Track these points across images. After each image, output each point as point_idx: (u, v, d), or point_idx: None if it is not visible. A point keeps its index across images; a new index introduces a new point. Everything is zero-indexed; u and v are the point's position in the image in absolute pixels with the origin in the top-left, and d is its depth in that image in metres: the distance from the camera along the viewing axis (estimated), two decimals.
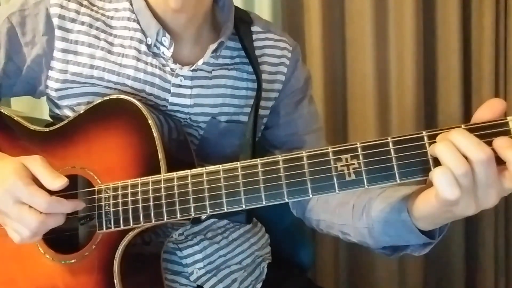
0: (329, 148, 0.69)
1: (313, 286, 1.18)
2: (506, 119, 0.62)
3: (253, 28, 1.05)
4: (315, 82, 1.70)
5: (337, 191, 0.68)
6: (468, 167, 0.60)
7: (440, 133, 0.64)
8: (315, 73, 1.69)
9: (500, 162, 0.61)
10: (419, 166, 0.65)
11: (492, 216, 1.89)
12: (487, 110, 0.63)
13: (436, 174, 0.62)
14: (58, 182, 0.78)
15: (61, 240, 0.88)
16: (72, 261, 0.87)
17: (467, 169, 0.60)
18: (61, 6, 0.94)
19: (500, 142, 0.60)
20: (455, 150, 0.61)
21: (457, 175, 0.61)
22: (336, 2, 1.75)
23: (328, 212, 0.97)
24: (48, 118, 1.05)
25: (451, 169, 0.61)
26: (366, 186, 0.67)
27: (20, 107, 1.48)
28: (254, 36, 1.04)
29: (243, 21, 1.04)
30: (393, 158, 0.66)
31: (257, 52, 1.03)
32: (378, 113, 1.76)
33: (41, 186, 0.78)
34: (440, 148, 0.62)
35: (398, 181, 0.66)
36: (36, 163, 0.79)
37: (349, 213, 0.90)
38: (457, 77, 1.79)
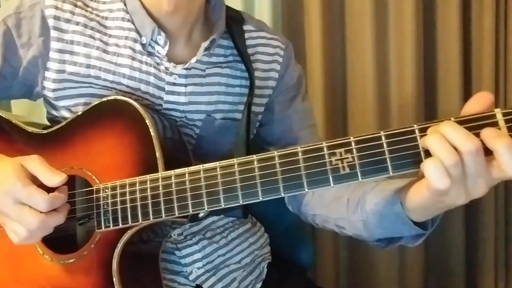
0: (324, 143, 0.70)
1: (313, 286, 1.18)
2: (494, 111, 0.63)
3: (246, 27, 1.07)
4: (315, 82, 1.70)
5: (332, 185, 0.69)
6: (457, 157, 0.62)
7: (430, 126, 0.65)
8: (315, 73, 1.70)
9: (488, 152, 0.62)
10: (411, 159, 0.66)
11: (492, 216, 1.89)
12: (476, 103, 0.65)
13: (427, 165, 0.63)
14: (57, 178, 0.80)
15: (59, 240, 0.88)
16: (71, 261, 0.88)
17: (457, 160, 0.62)
18: (56, 7, 0.95)
19: (487, 133, 0.62)
20: (445, 142, 0.62)
21: (447, 165, 0.62)
22: (336, 2, 1.75)
23: (323, 206, 0.98)
24: (47, 123, 1.05)
25: (442, 160, 0.62)
26: (360, 179, 0.68)
27: (18, 111, 1.48)
28: (247, 35, 1.06)
29: (235, 20, 1.05)
30: (386, 151, 0.67)
31: (250, 50, 1.04)
32: (378, 113, 1.76)
33: (40, 185, 0.79)
34: (431, 140, 0.63)
35: (391, 173, 0.67)
36: (34, 162, 0.80)
37: (344, 207, 0.91)
38: (457, 77, 1.79)
